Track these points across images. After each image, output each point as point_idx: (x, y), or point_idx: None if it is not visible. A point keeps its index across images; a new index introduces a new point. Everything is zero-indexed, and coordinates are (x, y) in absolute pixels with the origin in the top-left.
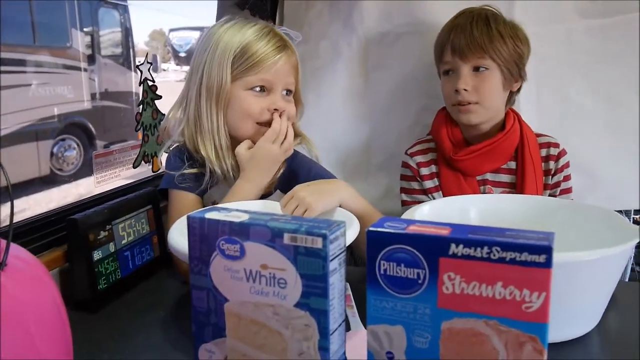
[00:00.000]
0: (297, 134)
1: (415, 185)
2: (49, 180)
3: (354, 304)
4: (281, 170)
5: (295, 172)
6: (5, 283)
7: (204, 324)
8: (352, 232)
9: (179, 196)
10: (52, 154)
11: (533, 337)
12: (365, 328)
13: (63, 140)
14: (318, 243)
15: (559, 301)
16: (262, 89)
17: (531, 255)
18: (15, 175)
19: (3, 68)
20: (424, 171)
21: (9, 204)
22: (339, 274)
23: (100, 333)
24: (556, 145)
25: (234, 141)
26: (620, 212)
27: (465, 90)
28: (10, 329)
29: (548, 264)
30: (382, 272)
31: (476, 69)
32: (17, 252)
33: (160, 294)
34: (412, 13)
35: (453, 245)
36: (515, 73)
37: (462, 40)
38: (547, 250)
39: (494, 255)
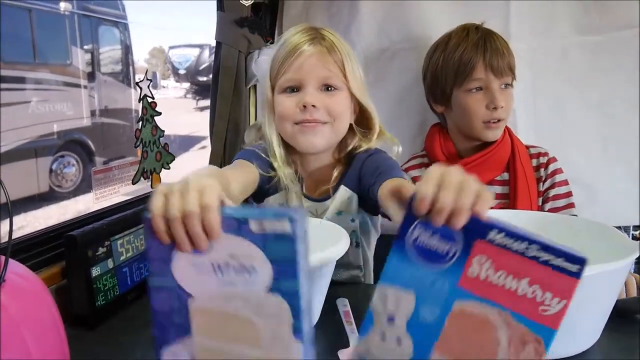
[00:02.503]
0: (370, 127)
1: None
2: (48, 197)
3: (352, 320)
4: (339, 169)
5: (364, 174)
6: (4, 299)
7: (166, 326)
8: (342, 246)
9: (244, 163)
10: (51, 170)
11: (539, 339)
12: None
13: (62, 157)
14: (286, 226)
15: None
16: (293, 88)
17: (566, 263)
18: (14, 192)
19: (3, 85)
20: None
21: (7, 220)
22: (305, 254)
23: (98, 349)
24: (545, 154)
25: (292, 149)
26: (619, 228)
27: (502, 107)
28: (8, 344)
29: (578, 275)
30: (414, 238)
31: (505, 85)
32: (16, 268)
33: None
34: (410, 29)
35: (494, 232)
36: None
37: (497, 57)
38: (582, 262)
39: (530, 252)
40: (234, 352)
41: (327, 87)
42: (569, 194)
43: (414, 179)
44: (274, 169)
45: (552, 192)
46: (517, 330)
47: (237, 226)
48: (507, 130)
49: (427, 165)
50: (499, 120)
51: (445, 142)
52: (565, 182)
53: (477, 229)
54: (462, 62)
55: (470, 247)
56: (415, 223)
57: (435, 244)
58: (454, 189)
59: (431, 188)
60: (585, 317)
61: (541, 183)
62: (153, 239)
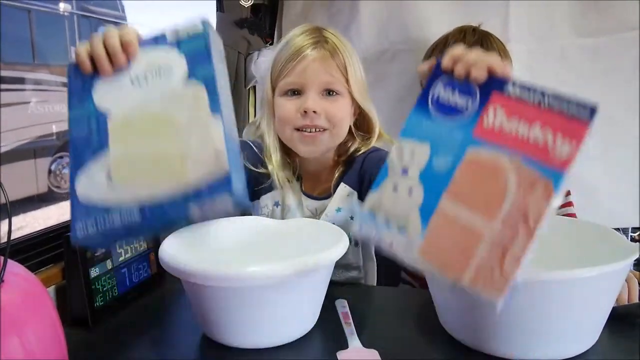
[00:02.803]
0: (370, 131)
1: None
2: (47, 198)
3: (351, 321)
4: (340, 169)
5: (366, 170)
6: (2, 300)
7: (82, 150)
8: (341, 247)
9: None
10: (50, 171)
11: (548, 181)
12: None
13: (61, 157)
14: (198, 27)
15: (556, 318)
16: (294, 92)
17: (577, 108)
18: (13, 193)
19: (3, 86)
20: None
21: (6, 221)
22: (219, 56)
23: (97, 350)
24: None
25: (290, 151)
26: (618, 230)
27: None
28: (7, 345)
29: (589, 120)
30: (435, 95)
31: None
32: (15, 269)
33: (157, 311)
34: (410, 30)
35: (511, 84)
36: None
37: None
38: (593, 108)
39: (544, 101)
40: (150, 151)
41: (329, 92)
42: (567, 193)
43: None
44: (265, 166)
45: None
46: (527, 174)
47: (154, 41)
48: None
49: None
50: None
51: None
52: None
53: (495, 83)
54: None
55: (487, 100)
56: (438, 82)
57: (455, 100)
58: (476, 53)
59: (458, 51)
60: (585, 317)
61: None
62: (75, 76)
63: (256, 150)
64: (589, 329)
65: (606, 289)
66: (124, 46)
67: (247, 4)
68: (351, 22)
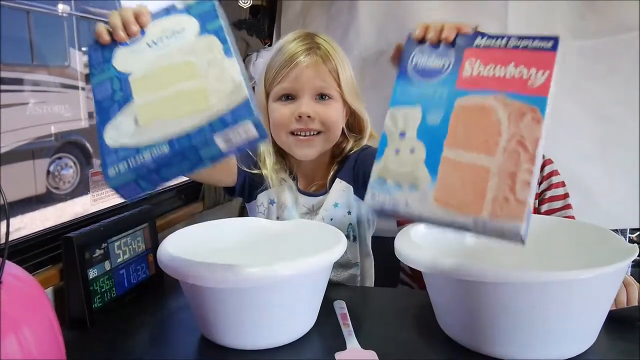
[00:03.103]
0: (362, 131)
1: None
2: (45, 199)
3: (350, 322)
4: (334, 167)
5: (359, 166)
6: (1, 301)
7: (108, 106)
8: (340, 248)
9: None
10: (48, 172)
11: (534, 108)
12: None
13: (60, 158)
14: None
15: (554, 319)
16: (288, 97)
17: (541, 42)
18: (11, 194)
19: (1, 87)
20: None
21: (4, 222)
22: (228, 25)
23: (95, 352)
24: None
25: (284, 154)
26: (616, 231)
27: None
28: (5, 347)
29: (554, 48)
30: (414, 64)
31: None
32: (13, 270)
33: (155, 312)
34: (406, 31)
35: (479, 38)
36: None
37: None
38: (555, 39)
39: (511, 43)
40: (174, 91)
41: (322, 96)
42: (566, 196)
43: None
44: (258, 167)
45: (549, 194)
46: (514, 106)
47: (165, 12)
48: None
49: None
50: None
51: None
52: (562, 184)
53: (465, 40)
54: None
55: (462, 55)
56: (413, 52)
57: (432, 63)
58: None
59: (426, 24)
60: (584, 318)
61: (537, 185)
62: (95, 50)
63: (250, 153)
64: (588, 329)
65: (604, 290)
66: (136, 16)
67: (246, 6)
68: (350, 24)
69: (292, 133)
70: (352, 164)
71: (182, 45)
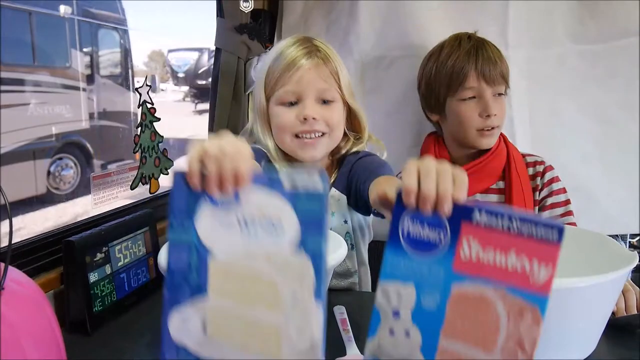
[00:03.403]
0: (361, 131)
1: None
2: (46, 199)
3: (349, 328)
4: (331, 173)
5: (353, 176)
6: (2, 306)
7: (180, 285)
8: (341, 251)
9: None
10: (49, 172)
11: (534, 308)
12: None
13: (60, 159)
14: (318, 184)
15: (554, 327)
16: (293, 103)
17: (546, 230)
18: (12, 194)
19: (2, 87)
20: None
21: (4, 221)
22: (328, 220)
23: (96, 356)
24: (541, 162)
25: (288, 156)
26: (616, 236)
27: (495, 115)
28: (6, 352)
29: (559, 241)
30: (405, 232)
31: (498, 94)
32: (14, 275)
33: (156, 316)
34: (408, 37)
35: (477, 212)
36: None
37: (490, 66)
38: (560, 230)
39: (513, 226)
40: (249, 315)
41: (324, 101)
42: (567, 202)
43: None
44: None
45: (550, 200)
46: (514, 303)
47: (268, 181)
48: (503, 138)
49: None
50: (492, 128)
51: (440, 151)
52: (563, 190)
53: (461, 212)
54: (454, 71)
55: (458, 231)
56: (404, 217)
57: (426, 234)
58: (434, 176)
59: (414, 179)
60: (583, 326)
61: (537, 192)
62: (180, 190)
63: (269, 157)
64: (587, 337)
65: (604, 297)
66: (236, 177)
67: (247, 10)
68: (350, 29)
69: (297, 136)
70: (348, 170)
71: (275, 253)
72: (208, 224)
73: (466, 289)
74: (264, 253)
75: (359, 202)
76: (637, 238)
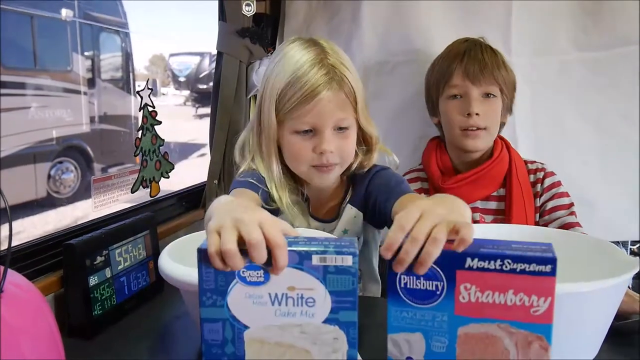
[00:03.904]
0: (370, 144)
1: None
2: (46, 203)
3: None
4: (344, 189)
5: (371, 193)
6: (2, 310)
7: (218, 356)
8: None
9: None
10: (49, 176)
11: (540, 336)
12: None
13: (61, 162)
14: (348, 261)
15: (555, 333)
16: (308, 131)
17: (539, 266)
18: (12, 198)
19: (3, 91)
20: None
21: (6, 229)
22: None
23: (95, 359)
24: (542, 169)
25: (296, 177)
26: (617, 243)
27: (477, 114)
28: (5, 355)
29: (553, 272)
30: (402, 285)
31: (486, 95)
32: (13, 278)
33: (156, 320)
34: (410, 42)
35: (469, 259)
36: (508, 104)
37: (475, 65)
38: (552, 261)
39: (506, 266)
40: None
41: (340, 128)
42: (571, 205)
43: None
44: (273, 200)
45: (551, 204)
46: (520, 335)
47: (298, 260)
48: (506, 145)
49: (423, 180)
50: (477, 129)
51: (441, 156)
52: (565, 194)
53: (453, 261)
54: (442, 70)
55: (454, 279)
56: (399, 274)
57: (423, 284)
58: (420, 242)
59: (399, 237)
60: (584, 332)
61: (537, 198)
62: (208, 270)
63: (262, 186)
64: (589, 342)
65: (605, 303)
66: (273, 264)
67: (249, 14)
68: (353, 34)
69: (313, 166)
70: (364, 188)
71: (307, 327)
72: (240, 301)
73: (472, 330)
74: (296, 324)
75: (378, 218)
76: (638, 245)
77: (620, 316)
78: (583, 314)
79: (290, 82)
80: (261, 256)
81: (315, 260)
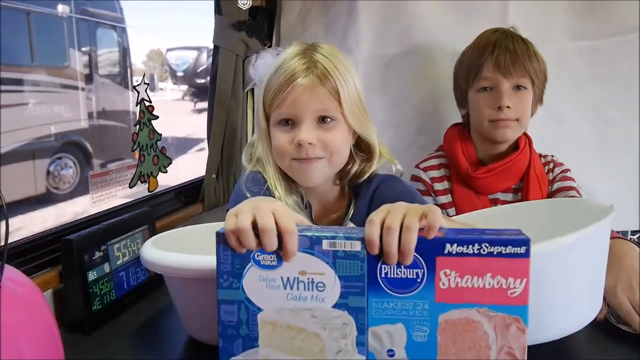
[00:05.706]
0: (370, 152)
1: (429, 200)
2: (45, 199)
3: None
4: (347, 200)
5: (375, 206)
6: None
7: (233, 337)
8: None
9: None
10: (48, 172)
11: (517, 318)
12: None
13: (59, 158)
14: (357, 246)
15: (548, 294)
16: (288, 122)
17: (514, 248)
18: (11, 194)
19: (1, 87)
20: (438, 187)
21: (3, 225)
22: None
23: (95, 355)
24: (552, 160)
25: (291, 184)
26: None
27: (507, 107)
28: (3, 351)
29: (527, 254)
30: (383, 275)
31: (517, 87)
32: (11, 274)
33: (155, 315)
34: (407, 35)
35: (448, 245)
36: (539, 95)
37: (507, 57)
38: (526, 242)
39: (484, 250)
40: None
41: (324, 119)
42: (576, 188)
43: (433, 180)
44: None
45: (557, 185)
46: (498, 319)
47: (309, 244)
48: (527, 139)
49: (446, 167)
50: (507, 120)
51: (466, 147)
52: (572, 179)
53: (433, 247)
54: (472, 61)
55: (434, 266)
56: (379, 265)
57: (404, 273)
58: (396, 231)
59: (376, 232)
60: (575, 289)
61: (550, 186)
62: (226, 253)
63: (265, 187)
64: (584, 300)
65: (588, 255)
66: (284, 251)
67: (245, 7)
68: (349, 27)
69: (295, 159)
70: (367, 201)
71: (317, 309)
72: (254, 284)
73: (452, 317)
74: (307, 308)
75: None
76: (638, 235)
77: (623, 320)
78: (568, 269)
79: (275, 70)
80: (271, 242)
81: (326, 245)
